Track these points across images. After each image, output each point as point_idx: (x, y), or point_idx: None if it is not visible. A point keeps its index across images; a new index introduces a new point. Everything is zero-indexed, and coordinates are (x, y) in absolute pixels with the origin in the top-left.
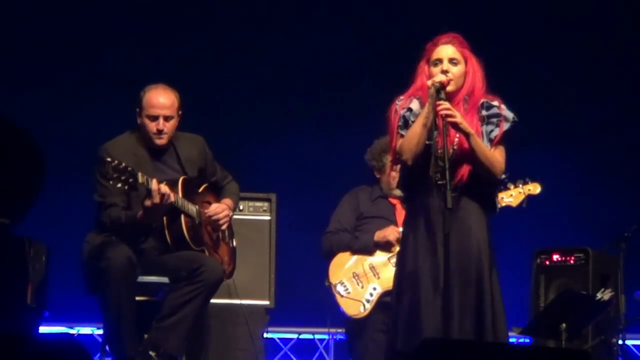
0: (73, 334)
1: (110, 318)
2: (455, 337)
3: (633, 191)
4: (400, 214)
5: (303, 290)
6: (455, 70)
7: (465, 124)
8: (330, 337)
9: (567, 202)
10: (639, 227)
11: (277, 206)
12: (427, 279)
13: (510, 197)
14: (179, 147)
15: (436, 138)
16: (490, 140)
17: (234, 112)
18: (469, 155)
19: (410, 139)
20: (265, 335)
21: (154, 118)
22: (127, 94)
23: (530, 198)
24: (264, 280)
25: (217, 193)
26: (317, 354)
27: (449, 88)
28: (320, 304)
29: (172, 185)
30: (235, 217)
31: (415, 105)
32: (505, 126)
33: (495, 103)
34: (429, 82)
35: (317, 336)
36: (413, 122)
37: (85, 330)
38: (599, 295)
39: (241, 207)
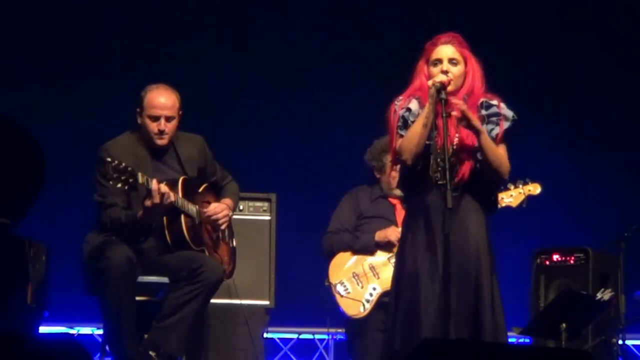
0: (73, 334)
1: (110, 318)
2: (454, 337)
3: (633, 191)
4: (400, 214)
5: (303, 290)
6: (455, 70)
7: (477, 121)
8: (330, 337)
9: (567, 202)
10: (639, 227)
11: (277, 206)
12: (427, 279)
13: (510, 197)
14: (179, 147)
15: (436, 138)
16: (492, 139)
17: (234, 112)
18: (469, 154)
19: (410, 139)
20: (265, 335)
21: (156, 118)
22: (127, 93)
23: (530, 198)
24: (264, 280)
25: (217, 193)
26: (317, 354)
27: (449, 88)
28: (320, 304)
29: (172, 185)
30: (235, 217)
31: (414, 105)
32: (506, 125)
33: (495, 102)
34: (430, 83)
35: (317, 336)
36: (412, 122)
37: (85, 330)
38: (599, 295)
39: (241, 207)
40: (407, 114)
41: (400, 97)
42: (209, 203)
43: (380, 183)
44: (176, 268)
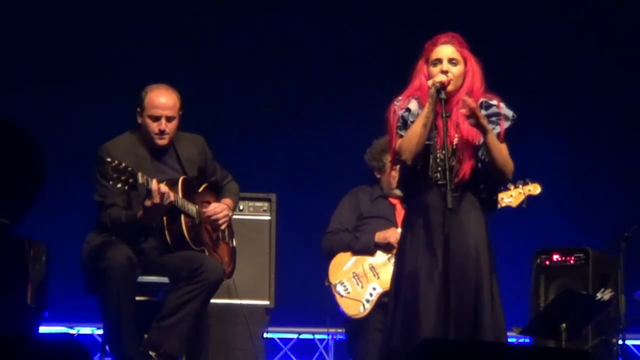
0: (73, 334)
1: (110, 318)
2: (454, 337)
3: (633, 191)
4: (400, 214)
5: (303, 290)
6: (455, 70)
7: (485, 120)
8: (330, 337)
9: (567, 202)
10: (639, 227)
11: (277, 206)
12: (426, 278)
13: (510, 197)
14: (179, 147)
15: (435, 138)
16: None
17: (234, 112)
18: (469, 154)
19: (410, 139)
20: (265, 335)
21: (156, 118)
22: (127, 94)
23: (530, 198)
24: (264, 280)
25: (217, 193)
26: (317, 354)
27: (449, 88)
28: (320, 304)
29: (172, 185)
30: (235, 217)
31: (413, 105)
32: (506, 124)
33: (494, 102)
34: (429, 83)
35: (317, 336)
36: (412, 122)
37: (85, 330)
38: (599, 295)
39: (241, 207)
40: (406, 114)
41: (400, 97)
42: (209, 203)
43: (380, 183)
44: (176, 268)
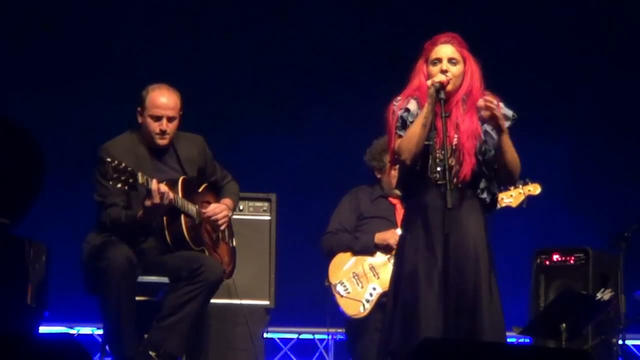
0: (73, 334)
1: (110, 318)
2: (453, 337)
3: (633, 191)
4: (400, 213)
5: (303, 290)
6: (454, 70)
7: (503, 120)
8: (330, 337)
9: (567, 202)
10: (639, 227)
11: (277, 206)
12: (425, 278)
13: (510, 197)
14: (179, 147)
15: (435, 138)
16: (494, 138)
17: (234, 112)
18: (470, 155)
19: (410, 139)
20: (265, 335)
21: (158, 118)
22: (127, 93)
23: (530, 198)
24: (264, 280)
25: (217, 193)
26: (317, 354)
27: (448, 88)
28: (320, 304)
29: (172, 185)
30: (235, 217)
31: (412, 105)
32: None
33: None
34: (429, 82)
35: (317, 336)
36: (411, 122)
37: (85, 330)
38: (599, 295)
39: (241, 207)
40: (405, 114)
41: (399, 98)
42: (209, 203)
43: (381, 183)
44: (176, 268)
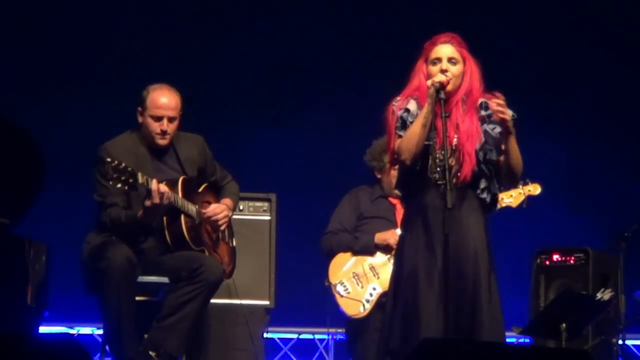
0: (73, 334)
1: (110, 318)
2: (453, 337)
3: (633, 191)
4: (400, 214)
5: (303, 290)
6: (454, 70)
7: (511, 123)
8: (330, 337)
9: (567, 202)
10: (639, 227)
11: (277, 206)
12: (425, 278)
13: (510, 197)
14: (179, 147)
15: (435, 138)
16: (494, 139)
17: (234, 112)
18: (470, 155)
19: (409, 140)
20: (265, 335)
21: (158, 119)
22: (127, 93)
23: (530, 198)
24: (264, 280)
25: (217, 193)
26: (317, 354)
27: (448, 88)
28: (320, 304)
29: (172, 185)
30: (235, 217)
31: (412, 105)
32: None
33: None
34: (429, 82)
35: (317, 336)
36: (411, 122)
37: (85, 330)
38: (599, 295)
39: (241, 207)
40: (405, 114)
41: (398, 98)
42: (209, 203)
43: (381, 183)
44: (176, 268)
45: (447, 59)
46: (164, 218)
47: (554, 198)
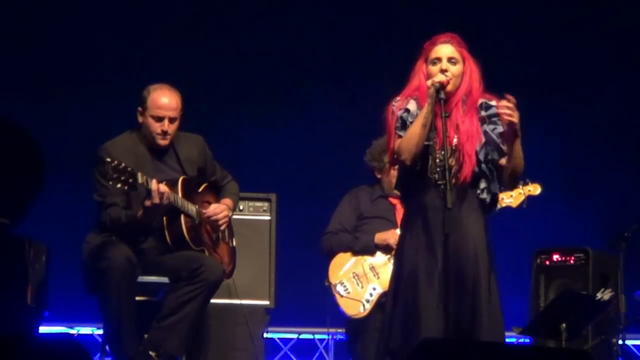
0: (73, 334)
1: (110, 318)
2: (453, 337)
3: (633, 191)
4: (400, 213)
5: (303, 290)
6: (454, 70)
7: (519, 126)
8: (330, 337)
9: (568, 202)
10: (639, 227)
11: (277, 206)
12: (425, 278)
13: (510, 197)
14: (179, 147)
15: (435, 138)
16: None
17: (233, 112)
18: (470, 156)
19: (409, 140)
20: (265, 335)
21: (159, 119)
22: (127, 94)
23: (530, 198)
24: (264, 280)
25: (217, 193)
26: (317, 354)
27: (448, 88)
28: (320, 304)
29: (172, 185)
30: (235, 217)
31: (412, 106)
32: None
33: (494, 103)
34: (429, 82)
35: (317, 336)
36: (411, 122)
37: (85, 330)
38: (599, 295)
39: (241, 207)
40: (405, 114)
41: (398, 98)
42: (209, 203)
43: (381, 183)
44: (176, 268)
45: (447, 59)
46: (164, 218)
47: (554, 198)
